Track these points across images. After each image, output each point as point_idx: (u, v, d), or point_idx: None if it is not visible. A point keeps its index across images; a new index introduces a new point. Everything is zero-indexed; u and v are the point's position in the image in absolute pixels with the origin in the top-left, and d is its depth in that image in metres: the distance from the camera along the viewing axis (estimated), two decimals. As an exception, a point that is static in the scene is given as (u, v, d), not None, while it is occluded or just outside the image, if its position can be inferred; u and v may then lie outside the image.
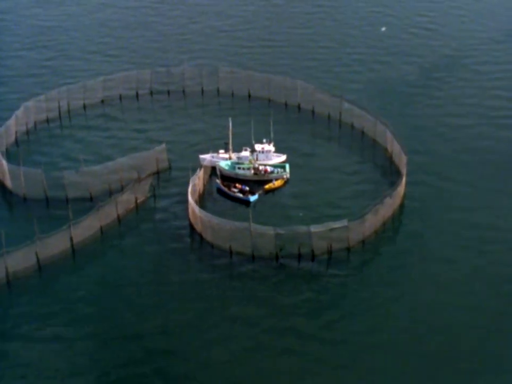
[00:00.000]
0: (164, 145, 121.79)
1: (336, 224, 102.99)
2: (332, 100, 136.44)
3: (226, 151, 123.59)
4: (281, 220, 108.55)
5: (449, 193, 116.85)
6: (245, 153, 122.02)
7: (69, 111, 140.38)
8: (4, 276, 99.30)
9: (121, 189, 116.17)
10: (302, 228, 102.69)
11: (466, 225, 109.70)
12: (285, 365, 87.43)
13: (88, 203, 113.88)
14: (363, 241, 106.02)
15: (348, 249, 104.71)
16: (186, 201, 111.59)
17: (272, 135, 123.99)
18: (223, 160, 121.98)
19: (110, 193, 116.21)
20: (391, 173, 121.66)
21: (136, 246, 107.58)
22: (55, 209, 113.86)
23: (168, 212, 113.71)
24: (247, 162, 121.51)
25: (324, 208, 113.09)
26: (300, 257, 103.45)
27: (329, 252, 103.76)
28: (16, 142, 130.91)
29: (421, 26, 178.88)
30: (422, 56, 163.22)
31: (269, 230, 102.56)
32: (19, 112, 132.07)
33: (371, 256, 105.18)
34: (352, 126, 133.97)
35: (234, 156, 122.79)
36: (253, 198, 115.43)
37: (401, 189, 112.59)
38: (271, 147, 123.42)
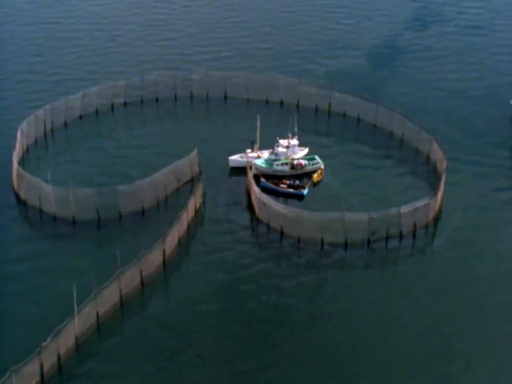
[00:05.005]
0: (195, 151, 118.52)
1: (420, 203, 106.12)
2: (320, 91, 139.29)
3: (253, 150, 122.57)
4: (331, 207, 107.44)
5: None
6: (281, 149, 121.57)
7: (52, 130, 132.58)
8: (118, 299, 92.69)
9: (166, 199, 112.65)
10: (393, 210, 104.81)
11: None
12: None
13: (140, 217, 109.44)
14: (434, 217, 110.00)
15: (426, 226, 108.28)
16: (246, 200, 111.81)
17: (296, 129, 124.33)
18: (255, 159, 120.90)
19: (158, 205, 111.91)
20: (401, 159, 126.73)
21: (214, 254, 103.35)
22: (108, 227, 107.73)
23: (227, 214, 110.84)
24: (283, 158, 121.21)
25: (363, 197, 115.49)
26: (387, 239, 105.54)
27: (414, 230, 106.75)
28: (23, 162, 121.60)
29: (338, 21, 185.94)
30: (360, 49, 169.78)
31: (363, 216, 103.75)
32: (18, 135, 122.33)
33: (449, 231, 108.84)
34: (345, 115, 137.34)
35: (261, 153, 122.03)
36: (305, 192, 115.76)
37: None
38: (295, 141, 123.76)
